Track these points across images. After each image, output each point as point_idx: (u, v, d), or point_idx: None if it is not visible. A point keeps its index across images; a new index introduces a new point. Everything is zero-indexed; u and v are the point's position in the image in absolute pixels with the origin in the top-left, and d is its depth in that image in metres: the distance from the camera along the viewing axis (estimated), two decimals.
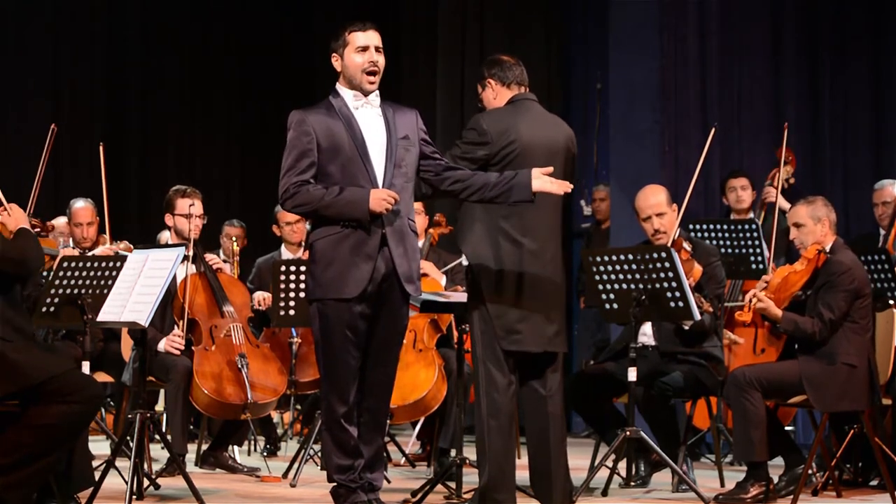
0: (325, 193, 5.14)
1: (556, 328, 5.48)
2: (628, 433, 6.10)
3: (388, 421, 6.03)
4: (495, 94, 5.58)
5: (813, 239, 6.30)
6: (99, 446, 7.83)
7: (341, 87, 5.29)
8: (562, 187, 5.23)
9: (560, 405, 5.51)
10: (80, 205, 8.17)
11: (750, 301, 6.21)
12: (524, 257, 5.40)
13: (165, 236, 7.31)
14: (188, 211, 7.00)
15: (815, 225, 6.31)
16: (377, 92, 5.29)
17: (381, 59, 5.25)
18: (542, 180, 5.19)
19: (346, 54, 5.24)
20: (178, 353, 6.79)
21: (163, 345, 6.82)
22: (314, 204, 5.15)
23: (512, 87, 5.57)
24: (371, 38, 5.23)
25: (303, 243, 8.38)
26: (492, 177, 5.25)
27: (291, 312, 6.86)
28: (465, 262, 5.56)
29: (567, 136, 5.59)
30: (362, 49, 5.22)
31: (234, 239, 8.85)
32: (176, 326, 6.94)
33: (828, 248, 6.29)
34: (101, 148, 6.88)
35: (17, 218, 5.16)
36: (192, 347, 6.84)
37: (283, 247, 8.46)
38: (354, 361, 5.19)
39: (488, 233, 5.41)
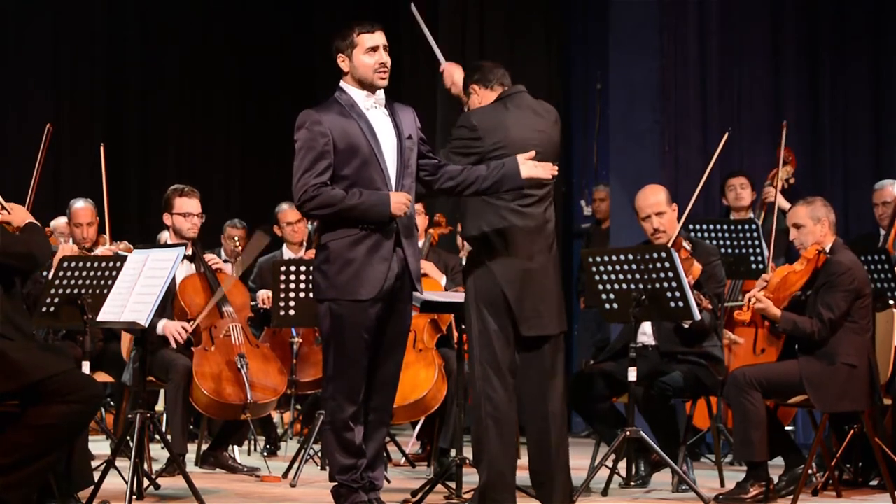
0: (346, 196, 5.13)
1: (556, 311, 5.49)
2: (628, 433, 6.10)
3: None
4: (481, 99, 5.62)
5: (813, 239, 6.31)
6: (99, 446, 7.84)
7: (349, 87, 5.29)
8: (547, 171, 5.28)
9: (560, 404, 5.50)
10: (80, 205, 8.16)
11: (749, 301, 6.21)
12: (523, 249, 5.40)
13: (165, 236, 7.32)
14: (186, 210, 7.00)
15: (814, 225, 6.32)
16: (383, 91, 5.30)
17: (388, 59, 5.28)
18: (529, 166, 5.25)
19: (356, 55, 5.24)
20: (175, 341, 6.72)
21: (161, 326, 6.75)
22: (336, 206, 5.14)
23: (495, 88, 5.60)
24: (379, 38, 5.25)
25: (304, 243, 8.38)
26: (482, 169, 5.30)
27: (291, 312, 6.86)
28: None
29: (555, 126, 5.60)
30: (372, 50, 5.23)
31: (236, 239, 8.85)
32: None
33: (827, 249, 6.30)
34: (101, 149, 6.88)
35: (20, 215, 5.15)
36: (192, 348, 6.83)
37: (284, 246, 8.47)
38: (366, 362, 5.21)
39: (492, 230, 5.42)
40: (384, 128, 5.25)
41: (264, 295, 7.68)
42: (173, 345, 6.76)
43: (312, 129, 5.18)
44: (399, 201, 5.13)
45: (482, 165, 5.32)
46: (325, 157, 5.16)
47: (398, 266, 5.20)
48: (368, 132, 5.20)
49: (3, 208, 5.16)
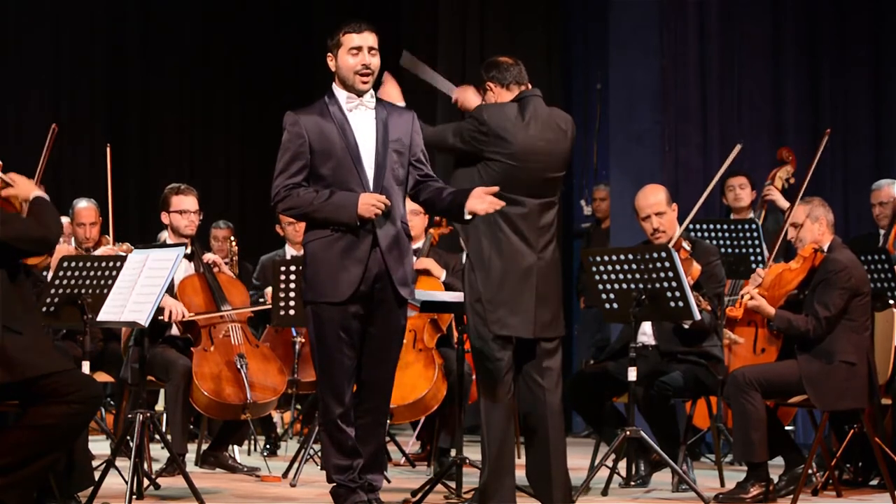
0: (314, 197, 5.14)
1: (551, 316, 5.46)
2: (628, 433, 6.10)
3: (388, 421, 6.03)
4: (496, 97, 5.57)
5: (811, 238, 6.31)
6: (99, 446, 7.83)
7: (336, 88, 5.29)
8: (491, 207, 5.16)
9: (559, 403, 5.50)
10: (84, 205, 8.17)
11: (742, 298, 6.21)
12: (519, 251, 5.39)
13: (165, 236, 7.33)
14: (183, 207, 7.01)
15: (812, 224, 6.32)
16: (372, 92, 5.29)
17: (374, 61, 5.24)
18: (474, 202, 5.14)
19: (340, 55, 5.23)
20: (169, 317, 6.70)
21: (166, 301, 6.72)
22: (304, 207, 5.17)
23: (512, 88, 5.55)
24: (365, 39, 5.22)
25: None
26: (445, 196, 5.25)
27: (291, 312, 6.85)
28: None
29: (569, 136, 5.58)
30: (356, 50, 5.21)
31: (232, 239, 8.85)
32: (176, 327, 6.94)
33: (825, 248, 6.30)
34: (108, 149, 6.87)
35: (25, 188, 5.03)
36: (192, 348, 6.83)
37: (286, 245, 8.47)
38: (350, 361, 5.19)
39: (487, 230, 5.41)
40: (365, 130, 5.22)
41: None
42: (165, 318, 6.69)
43: (291, 130, 5.21)
44: (368, 203, 5.09)
45: (448, 194, 5.26)
46: (299, 157, 5.18)
47: (377, 268, 5.17)
48: (346, 134, 5.18)
49: (6, 183, 5.05)
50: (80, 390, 4.74)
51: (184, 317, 6.75)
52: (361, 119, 5.24)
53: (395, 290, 5.21)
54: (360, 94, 5.24)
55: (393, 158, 5.23)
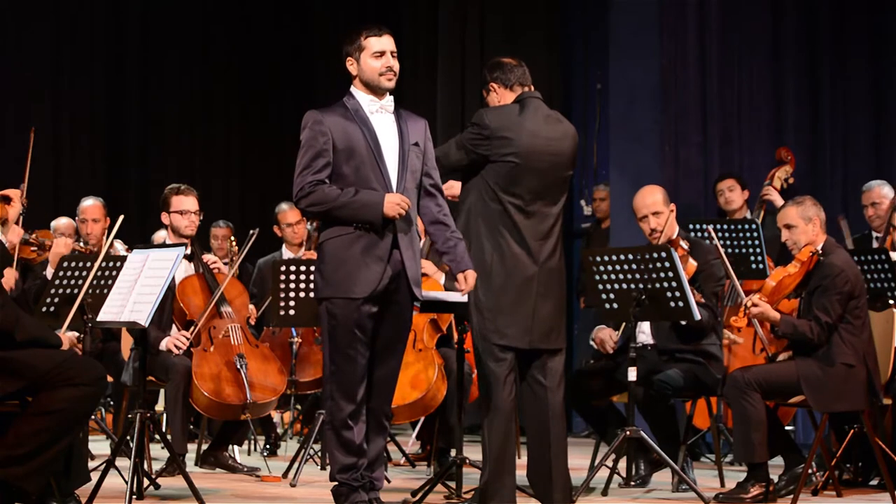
0: (340, 194, 5.17)
1: (550, 326, 5.46)
2: (628, 433, 6.11)
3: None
4: (499, 98, 5.58)
5: (806, 239, 6.29)
6: (99, 446, 7.84)
7: (357, 91, 5.33)
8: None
9: (561, 403, 5.50)
10: (90, 203, 8.22)
11: (744, 306, 6.20)
12: (521, 260, 5.39)
13: (160, 235, 7.33)
14: (184, 207, 7.01)
15: (806, 225, 6.31)
16: (391, 98, 5.33)
17: (396, 63, 5.31)
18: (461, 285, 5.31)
19: (363, 59, 5.28)
20: (178, 351, 6.77)
21: (164, 344, 6.80)
22: (329, 204, 5.18)
23: (515, 89, 5.57)
24: (386, 43, 5.29)
25: (303, 244, 8.38)
26: (447, 251, 5.35)
27: (291, 312, 6.86)
28: None
29: (571, 137, 5.59)
30: (379, 54, 5.26)
31: (232, 239, 8.86)
32: (175, 327, 6.94)
33: (819, 248, 6.28)
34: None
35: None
36: (192, 348, 6.83)
37: (283, 247, 8.47)
38: (363, 360, 5.21)
39: (490, 236, 5.42)
40: (387, 132, 5.28)
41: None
42: (176, 352, 6.75)
43: (314, 128, 5.24)
44: (394, 202, 5.14)
45: (450, 247, 5.33)
46: (323, 155, 5.21)
47: (394, 268, 5.21)
48: (369, 135, 5.23)
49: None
50: (86, 372, 4.82)
51: (187, 338, 6.76)
52: (383, 121, 5.30)
53: (409, 289, 5.25)
54: (383, 93, 5.28)
55: (412, 161, 5.28)
